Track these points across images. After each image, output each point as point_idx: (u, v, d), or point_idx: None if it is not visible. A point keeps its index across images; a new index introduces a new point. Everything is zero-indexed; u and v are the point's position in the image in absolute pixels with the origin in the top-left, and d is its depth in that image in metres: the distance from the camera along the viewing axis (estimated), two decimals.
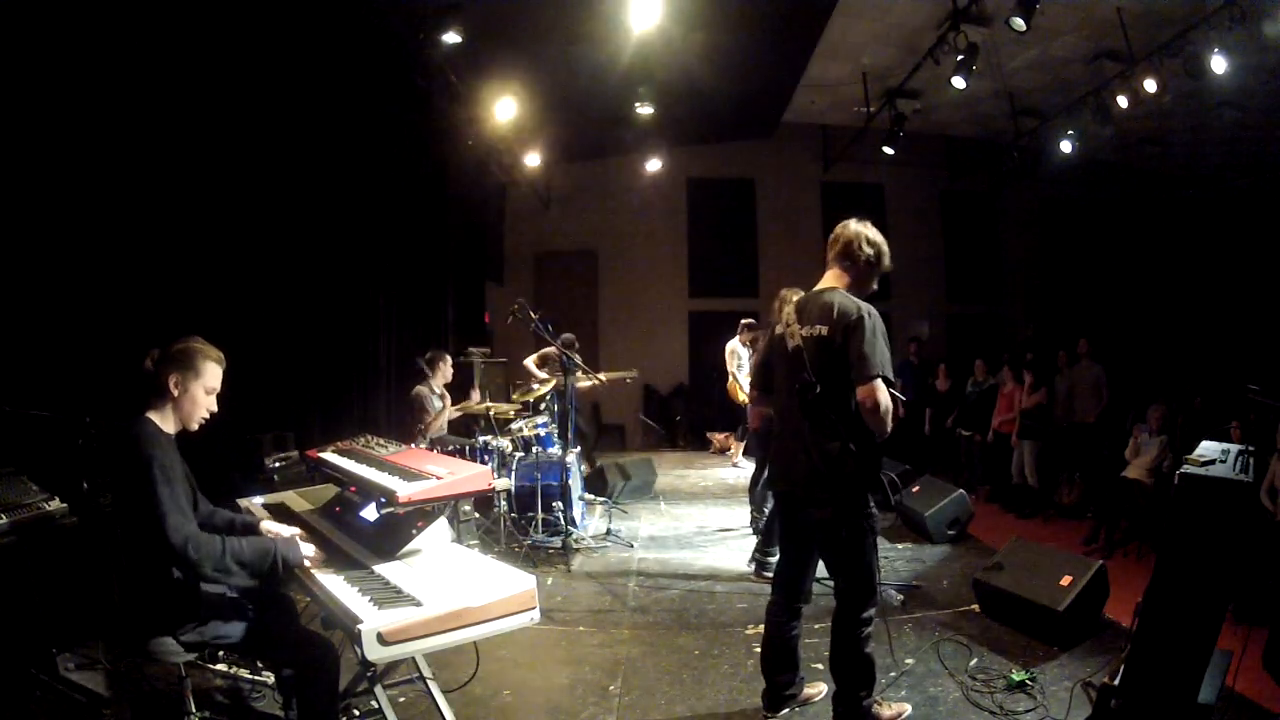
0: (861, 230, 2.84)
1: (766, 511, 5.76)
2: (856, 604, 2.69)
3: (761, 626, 3.83)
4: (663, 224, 12.03)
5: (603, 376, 5.87)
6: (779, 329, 2.88)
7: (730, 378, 8.46)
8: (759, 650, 3.54)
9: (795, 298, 4.57)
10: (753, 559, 4.85)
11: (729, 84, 8.67)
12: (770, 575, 4.59)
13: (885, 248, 2.86)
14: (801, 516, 2.80)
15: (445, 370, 5.80)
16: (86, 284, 3.86)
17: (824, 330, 2.64)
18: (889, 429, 2.55)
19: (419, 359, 5.83)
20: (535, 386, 6.18)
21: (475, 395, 5.68)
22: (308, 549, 2.34)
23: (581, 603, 4.32)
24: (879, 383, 2.50)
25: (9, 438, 3.12)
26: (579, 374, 5.66)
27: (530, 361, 6.60)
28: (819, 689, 3.06)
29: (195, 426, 2.34)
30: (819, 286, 2.85)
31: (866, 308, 2.62)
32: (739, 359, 8.41)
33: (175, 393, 2.27)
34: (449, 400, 5.78)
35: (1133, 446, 5.83)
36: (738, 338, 8.45)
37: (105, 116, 3.93)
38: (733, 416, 9.24)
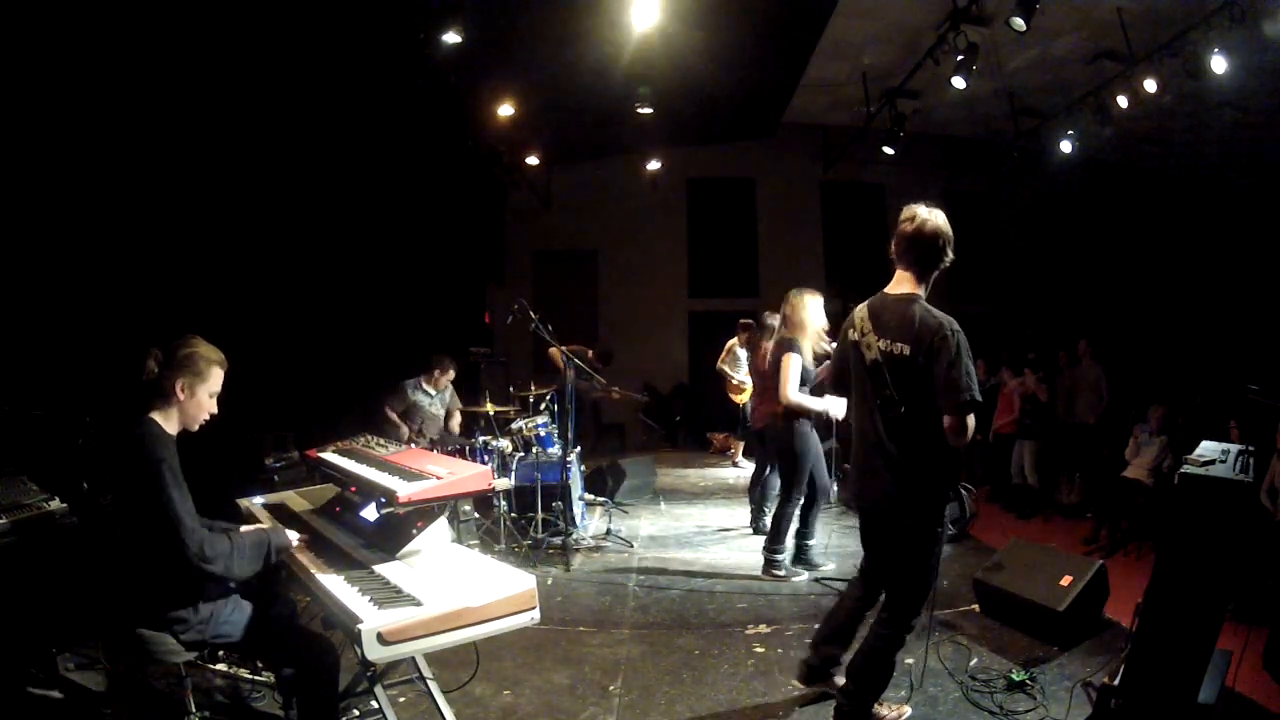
0: (943, 227, 2.59)
1: (768, 510, 5.77)
2: (907, 609, 2.68)
3: (762, 626, 3.88)
4: (663, 224, 12.03)
5: (615, 394, 5.86)
6: (854, 335, 2.71)
7: (727, 378, 8.48)
8: (759, 650, 3.58)
9: (809, 298, 4.58)
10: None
11: (729, 84, 8.68)
12: (779, 574, 4.62)
13: (952, 238, 2.63)
14: (883, 527, 2.73)
15: (440, 376, 5.80)
16: (86, 284, 3.86)
17: (905, 349, 2.50)
18: (967, 442, 2.50)
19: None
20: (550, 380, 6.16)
21: (488, 406, 5.67)
22: (292, 533, 2.46)
23: (581, 603, 4.32)
24: (968, 410, 2.42)
25: (9, 438, 3.12)
26: (593, 383, 5.64)
27: (557, 353, 6.51)
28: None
29: (196, 428, 2.36)
30: (894, 291, 2.66)
31: (949, 324, 2.47)
32: (736, 359, 8.44)
33: (181, 397, 2.28)
34: (455, 404, 5.83)
35: (1133, 446, 5.83)
36: (736, 338, 8.47)
37: (106, 122, 3.93)
38: (733, 416, 9.23)
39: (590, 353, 5.37)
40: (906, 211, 2.65)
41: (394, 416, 5.61)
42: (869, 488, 2.70)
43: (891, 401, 2.54)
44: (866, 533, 2.87)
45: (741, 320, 8.55)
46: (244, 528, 2.58)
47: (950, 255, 2.63)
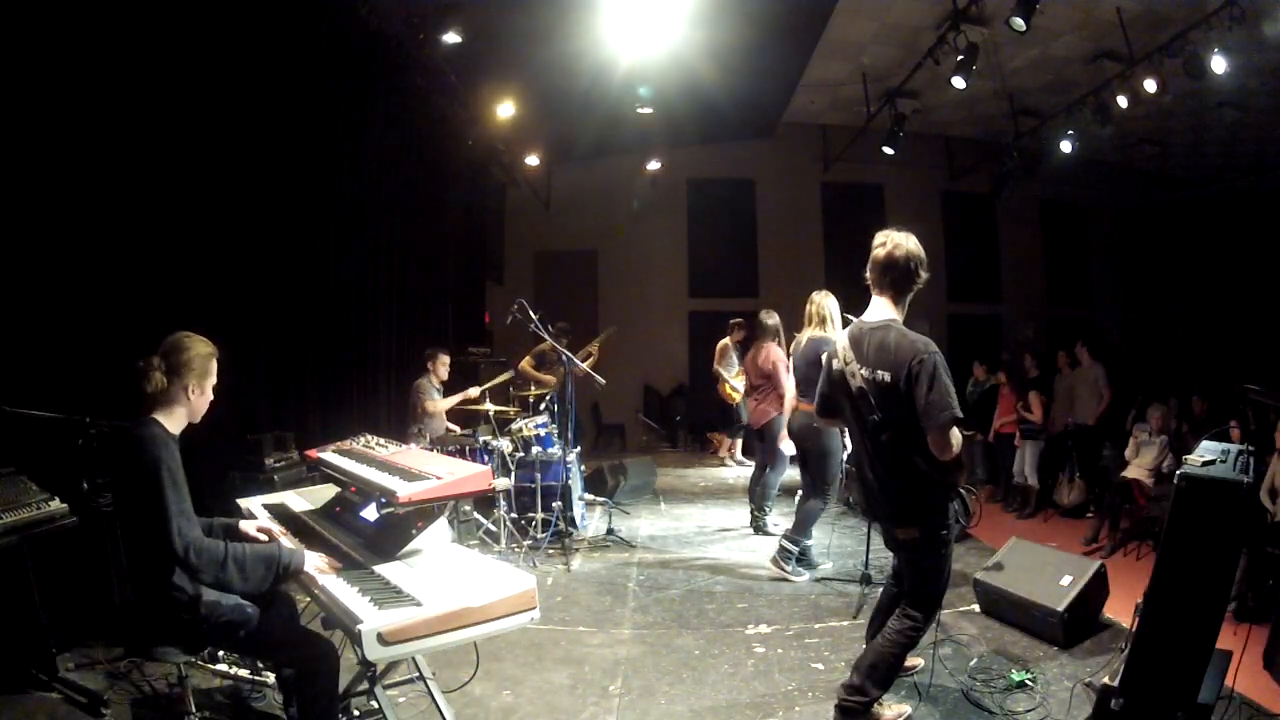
0: (914, 250, 2.68)
1: (768, 510, 5.78)
2: (925, 608, 2.73)
3: (762, 626, 3.90)
4: (663, 224, 12.03)
5: (596, 344, 5.92)
6: (836, 365, 2.78)
7: (719, 378, 8.49)
8: (759, 650, 3.59)
9: (828, 302, 4.61)
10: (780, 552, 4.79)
11: (729, 84, 8.68)
12: (785, 567, 4.64)
13: (925, 260, 2.73)
14: (891, 535, 2.80)
15: (441, 369, 5.87)
16: (86, 284, 3.85)
17: (886, 377, 2.58)
18: (955, 454, 2.56)
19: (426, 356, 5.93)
20: (534, 386, 6.20)
21: (475, 391, 5.69)
22: (316, 558, 2.32)
23: (581, 603, 4.32)
24: (951, 427, 2.48)
25: (9, 438, 3.12)
26: (575, 366, 5.65)
27: (526, 364, 6.59)
28: (917, 663, 3.21)
29: (199, 419, 2.40)
30: (871, 320, 2.73)
31: (924, 346, 2.54)
32: (730, 360, 8.46)
33: (192, 398, 2.32)
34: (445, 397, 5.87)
35: (1133, 446, 5.83)
36: (728, 337, 8.50)
37: (105, 115, 3.92)
38: (725, 416, 9.22)
39: (551, 346, 5.50)
40: (879, 237, 2.74)
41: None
42: (872, 505, 2.82)
43: (879, 426, 2.63)
44: (883, 534, 2.95)
45: (733, 320, 8.59)
46: (243, 523, 2.58)
47: (924, 275, 2.72)
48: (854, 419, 2.78)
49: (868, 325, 2.73)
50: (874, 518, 2.88)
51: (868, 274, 2.77)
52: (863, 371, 2.66)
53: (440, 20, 5.88)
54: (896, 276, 2.69)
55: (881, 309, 2.73)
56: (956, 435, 2.51)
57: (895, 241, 2.69)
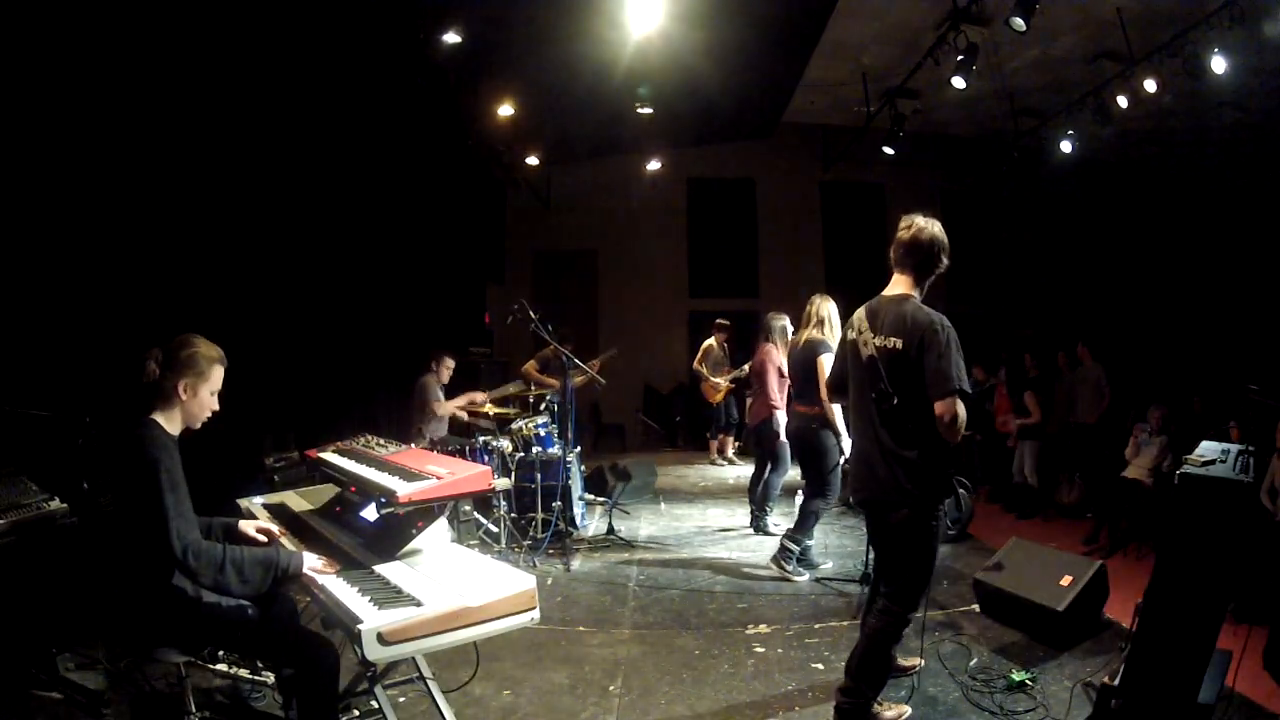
0: (939, 235, 2.74)
1: (769, 510, 5.78)
2: (905, 603, 2.72)
3: (762, 626, 3.91)
4: (663, 224, 12.03)
5: (596, 364, 5.94)
6: (851, 335, 2.83)
7: (701, 376, 8.50)
8: (759, 650, 3.60)
9: (827, 305, 4.63)
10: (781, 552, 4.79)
11: (729, 84, 8.69)
12: (786, 567, 4.65)
13: (948, 247, 2.79)
14: (882, 520, 2.79)
15: (445, 371, 5.88)
16: (86, 284, 3.86)
17: (899, 344, 2.62)
18: (960, 438, 2.57)
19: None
20: (535, 386, 6.20)
21: (480, 396, 5.69)
22: (313, 559, 2.32)
23: (581, 603, 4.32)
24: (956, 398, 2.50)
25: (9, 438, 3.12)
26: (575, 371, 5.66)
27: (530, 368, 6.60)
28: (917, 662, 3.24)
29: (199, 426, 2.37)
30: (890, 292, 2.80)
31: (940, 320, 2.59)
32: (717, 361, 8.48)
33: (184, 397, 2.29)
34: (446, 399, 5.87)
35: (1133, 446, 5.83)
36: (713, 339, 8.52)
37: (107, 120, 3.93)
38: (710, 417, 9.20)
39: (553, 347, 5.50)
40: (905, 220, 2.81)
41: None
42: (867, 481, 2.79)
43: (886, 395, 2.64)
44: (871, 522, 2.94)
45: (717, 320, 8.61)
46: (242, 523, 2.58)
47: (946, 262, 2.78)
48: (860, 390, 2.78)
49: (886, 298, 2.79)
50: (867, 498, 2.84)
51: (891, 254, 2.83)
52: (875, 340, 2.70)
53: (440, 20, 5.88)
54: (919, 258, 2.75)
55: (900, 286, 2.79)
56: (963, 411, 2.51)
57: (920, 225, 2.76)
